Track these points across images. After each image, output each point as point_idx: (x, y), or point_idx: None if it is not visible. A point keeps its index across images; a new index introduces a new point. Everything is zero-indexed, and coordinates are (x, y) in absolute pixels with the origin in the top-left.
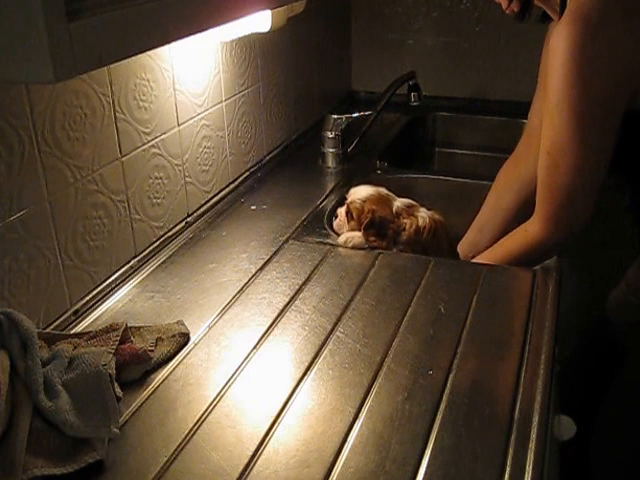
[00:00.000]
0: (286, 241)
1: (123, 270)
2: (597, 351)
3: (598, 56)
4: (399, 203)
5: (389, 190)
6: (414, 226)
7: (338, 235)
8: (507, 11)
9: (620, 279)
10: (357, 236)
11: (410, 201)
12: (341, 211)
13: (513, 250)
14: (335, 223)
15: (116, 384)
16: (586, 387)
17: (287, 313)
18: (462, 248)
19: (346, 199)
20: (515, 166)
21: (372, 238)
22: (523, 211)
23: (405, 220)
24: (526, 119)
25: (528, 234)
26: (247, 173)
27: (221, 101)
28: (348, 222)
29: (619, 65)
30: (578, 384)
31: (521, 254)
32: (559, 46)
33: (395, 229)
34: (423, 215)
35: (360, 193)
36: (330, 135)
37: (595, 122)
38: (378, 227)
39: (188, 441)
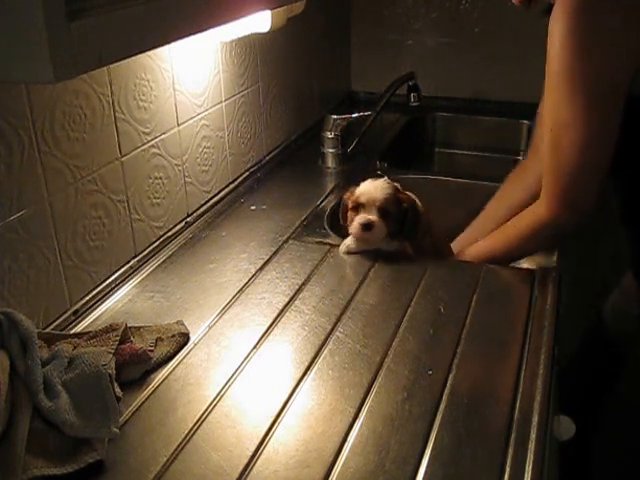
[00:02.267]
0: (286, 241)
1: (123, 270)
2: (596, 351)
3: (595, 33)
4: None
5: None
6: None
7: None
8: (514, 0)
9: (614, 285)
10: (348, 240)
11: None
12: (369, 218)
13: (522, 231)
14: (363, 233)
15: (116, 384)
16: (586, 387)
17: (287, 313)
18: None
19: (360, 202)
20: (522, 178)
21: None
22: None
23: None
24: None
25: (535, 216)
26: (247, 173)
27: (221, 101)
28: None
29: (618, 42)
30: (578, 384)
31: (530, 236)
32: (556, 25)
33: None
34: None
35: (376, 189)
36: (330, 135)
37: (597, 99)
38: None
39: (188, 441)
